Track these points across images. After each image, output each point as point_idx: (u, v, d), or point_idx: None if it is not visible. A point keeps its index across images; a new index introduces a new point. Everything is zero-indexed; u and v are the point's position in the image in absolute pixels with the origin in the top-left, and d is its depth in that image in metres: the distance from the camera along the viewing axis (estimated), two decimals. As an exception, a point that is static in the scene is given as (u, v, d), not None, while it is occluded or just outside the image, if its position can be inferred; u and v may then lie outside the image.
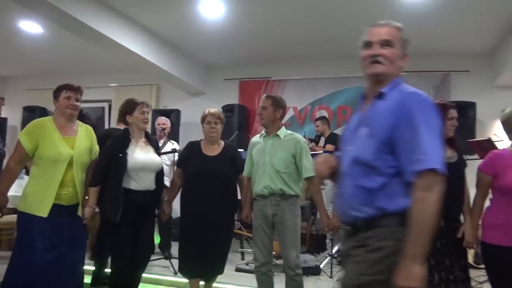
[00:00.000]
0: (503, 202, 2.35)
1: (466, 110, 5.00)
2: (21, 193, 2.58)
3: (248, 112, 6.39)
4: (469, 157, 4.02)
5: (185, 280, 3.20)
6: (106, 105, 7.19)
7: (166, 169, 3.60)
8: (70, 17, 4.05)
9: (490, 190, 2.47)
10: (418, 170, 1.34)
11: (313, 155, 3.10)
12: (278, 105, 2.97)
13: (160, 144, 4.08)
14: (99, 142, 2.83)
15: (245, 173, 3.09)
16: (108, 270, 3.56)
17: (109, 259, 3.59)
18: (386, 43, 1.51)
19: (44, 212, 2.46)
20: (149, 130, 3.21)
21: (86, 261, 2.88)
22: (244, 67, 6.44)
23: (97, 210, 2.85)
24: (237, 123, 5.92)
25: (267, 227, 2.87)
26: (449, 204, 2.46)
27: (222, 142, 3.12)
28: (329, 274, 4.04)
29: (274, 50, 5.82)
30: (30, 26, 5.29)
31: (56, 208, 2.49)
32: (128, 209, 2.74)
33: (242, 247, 4.84)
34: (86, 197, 2.74)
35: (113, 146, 2.84)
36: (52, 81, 7.02)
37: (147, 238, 2.94)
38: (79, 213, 2.63)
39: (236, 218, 3.97)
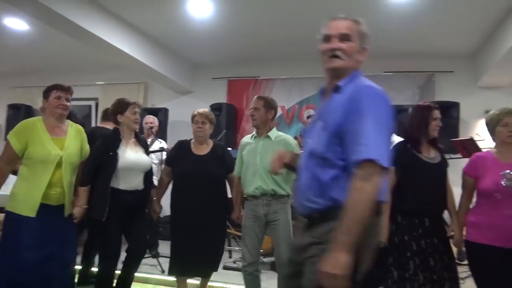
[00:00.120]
0: (483, 203, 2.43)
1: (450, 110, 5.10)
2: (9, 193, 2.57)
3: (236, 111, 6.40)
4: (452, 156, 4.11)
5: (173, 279, 3.22)
6: (93, 103, 7.12)
7: (154, 168, 3.62)
8: (57, 14, 4.00)
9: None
10: (357, 160, 1.34)
11: None
12: (270, 106, 2.99)
13: (148, 143, 4.08)
14: None
15: (236, 173, 3.11)
16: (94, 269, 3.56)
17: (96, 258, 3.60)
18: (344, 37, 1.53)
19: (31, 212, 2.46)
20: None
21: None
22: (232, 66, 6.45)
23: None
24: (225, 122, 5.92)
25: (258, 227, 2.89)
26: (433, 203, 2.56)
27: (212, 142, 3.15)
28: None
29: (262, 49, 5.84)
30: (16, 23, 5.21)
31: (44, 207, 2.49)
32: (116, 209, 2.74)
33: (229, 245, 4.86)
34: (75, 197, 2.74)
35: (103, 146, 2.83)
36: (38, 79, 7.01)
37: (138, 237, 2.95)
38: (66, 213, 2.61)
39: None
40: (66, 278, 2.65)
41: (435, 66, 5.74)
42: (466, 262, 4.40)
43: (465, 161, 4.11)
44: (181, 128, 6.34)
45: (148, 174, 2.98)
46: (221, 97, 6.47)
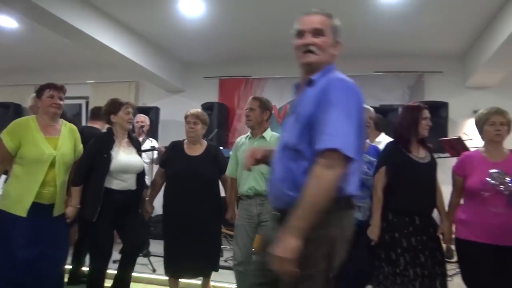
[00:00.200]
0: (471, 201, 2.48)
1: (439, 109, 5.16)
2: (1, 192, 2.57)
3: (227, 110, 6.40)
4: (440, 155, 4.17)
5: (164, 278, 3.22)
6: (83, 102, 7.08)
7: (145, 167, 3.61)
8: (48, 13, 3.98)
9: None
10: (319, 148, 1.34)
11: None
12: (265, 107, 3.01)
13: (139, 142, 4.07)
14: None
15: (228, 173, 3.11)
16: (85, 268, 3.55)
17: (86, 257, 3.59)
18: (318, 32, 1.54)
19: (23, 212, 2.45)
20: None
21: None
22: (223, 65, 6.46)
23: None
24: (217, 121, 5.93)
25: (251, 227, 2.90)
26: (423, 202, 2.61)
27: (205, 142, 3.16)
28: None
29: (253, 48, 5.85)
30: (5, 21, 5.16)
31: (37, 206, 2.48)
32: (108, 209, 2.75)
33: (221, 244, 4.86)
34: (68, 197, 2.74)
35: (96, 146, 2.83)
36: (28, 77, 6.95)
37: (133, 236, 2.95)
38: (55, 213, 2.60)
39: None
40: (57, 277, 2.65)
41: (424, 66, 5.81)
42: (454, 259, 4.48)
43: (453, 160, 4.18)
44: (172, 127, 6.33)
45: (141, 174, 2.99)
46: (213, 96, 6.47)
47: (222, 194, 3.26)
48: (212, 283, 3.41)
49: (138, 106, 6.40)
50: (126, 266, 2.94)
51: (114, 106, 2.92)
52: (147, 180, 3.63)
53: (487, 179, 2.37)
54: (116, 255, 3.00)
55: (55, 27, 4.44)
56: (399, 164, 2.58)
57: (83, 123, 6.79)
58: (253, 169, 2.92)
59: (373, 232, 2.56)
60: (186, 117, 3.11)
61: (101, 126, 3.84)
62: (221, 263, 4.25)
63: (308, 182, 1.33)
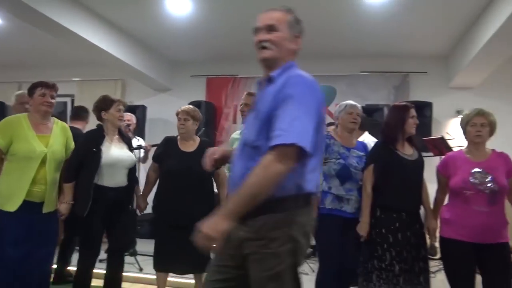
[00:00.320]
0: (455, 199, 2.53)
1: (423, 109, 5.25)
2: None
3: (215, 109, 6.41)
4: (424, 154, 4.25)
5: (150, 277, 3.21)
6: (68, 100, 6.98)
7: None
8: (33, 10, 3.93)
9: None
10: (275, 142, 1.32)
11: None
12: None
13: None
14: None
15: (226, 169, 3.12)
16: (71, 268, 3.53)
17: (72, 256, 3.57)
18: (271, 28, 1.54)
19: (13, 207, 2.45)
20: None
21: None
22: (211, 64, 6.46)
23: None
24: (204, 119, 5.89)
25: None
26: (411, 198, 2.67)
27: (198, 138, 3.16)
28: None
29: (241, 47, 5.85)
30: (-12, 17, 5.09)
31: (27, 204, 2.48)
32: (100, 206, 2.74)
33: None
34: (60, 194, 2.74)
35: (86, 142, 2.83)
36: (12, 74, 6.84)
37: (121, 236, 2.96)
38: (45, 210, 2.59)
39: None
40: (44, 276, 2.65)
41: (409, 67, 5.90)
42: (437, 256, 4.57)
43: (436, 159, 4.27)
44: (159, 125, 6.30)
45: (132, 170, 2.99)
46: (200, 95, 6.46)
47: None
48: (189, 281, 3.43)
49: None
50: (116, 266, 2.94)
51: (106, 103, 2.91)
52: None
53: (469, 178, 2.43)
54: (102, 254, 2.99)
55: (40, 25, 4.39)
56: (387, 162, 2.64)
57: (69, 121, 6.71)
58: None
59: (363, 228, 2.61)
60: (177, 114, 3.12)
61: (82, 126, 3.82)
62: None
63: (254, 170, 1.32)
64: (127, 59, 5.52)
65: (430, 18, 4.67)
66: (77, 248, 4.81)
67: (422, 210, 2.80)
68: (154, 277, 3.13)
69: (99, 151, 2.76)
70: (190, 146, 3.07)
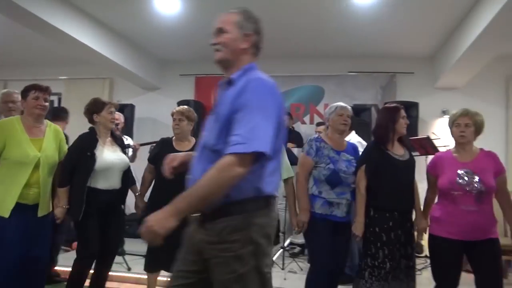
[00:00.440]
0: (443, 199, 2.57)
1: (410, 109, 5.30)
2: None
3: (204, 108, 6.39)
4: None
5: (138, 276, 3.20)
6: (55, 98, 6.91)
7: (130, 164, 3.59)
8: (19, 7, 3.88)
9: None
10: (233, 148, 1.32)
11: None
12: None
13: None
14: None
15: None
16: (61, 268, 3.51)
17: (58, 256, 3.55)
18: (220, 31, 1.57)
19: (5, 213, 2.44)
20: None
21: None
22: (200, 63, 6.41)
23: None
24: (193, 119, 5.91)
25: None
26: (402, 198, 2.72)
27: (193, 139, 3.17)
28: (281, 266, 4.18)
29: (230, 47, 5.87)
30: (-28, 14, 5.00)
31: (21, 207, 2.48)
32: (93, 208, 2.75)
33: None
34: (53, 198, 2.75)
35: (80, 146, 2.83)
36: (-2, 72, 6.70)
37: (114, 238, 2.97)
38: (40, 213, 2.60)
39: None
40: (40, 277, 2.66)
41: (396, 67, 5.98)
42: (423, 254, 4.64)
43: (422, 158, 4.34)
44: (147, 124, 6.28)
45: (126, 172, 2.99)
46: (189, 94, 6.45)
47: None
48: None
49: (113, 103, 6.33)
50: (105, 266, 2.95)
51: (97, 105, 2.91)
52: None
53: (456, 179, 2.46)
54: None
55: (27, 23, 4.33)
56: (379, 163, 2.68)
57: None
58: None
59: (358, 229, 2.65)
60: (172, 114, 3.14)
61: (62, 127, 3.79)
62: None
63: (209, 171, 1.32)
64: (115, 57, 5.49)
65: (417, 20, 4.74)
66: (63, 248, 4.82)
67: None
68: (142, 276, 3.13)
69: (93, 155, 2.77)
70: (185, 146, 3.07)
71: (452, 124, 2.61)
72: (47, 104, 2.67)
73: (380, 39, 5.35)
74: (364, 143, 3.84)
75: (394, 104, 2.90)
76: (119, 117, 4.73)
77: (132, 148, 4.21)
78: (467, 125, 2.54)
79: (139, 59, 6.07)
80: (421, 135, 4.92)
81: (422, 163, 3.21)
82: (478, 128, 2.56)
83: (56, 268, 3.70)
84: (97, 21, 5.08)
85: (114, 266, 3.93)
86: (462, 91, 5.78)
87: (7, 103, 3.16)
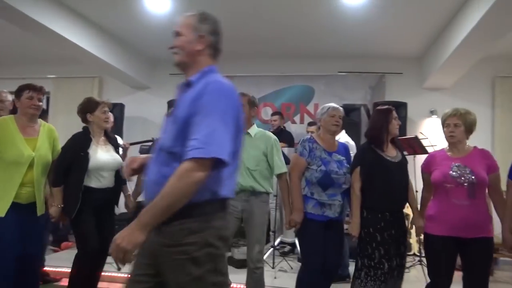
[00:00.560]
0: (437, 194, 2.62)
1: (398, 109, 5.33)
2: None
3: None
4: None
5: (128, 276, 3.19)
6: (43, 97, 6.85)
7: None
8: (7, 5, 3.83)
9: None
10: (191, 154, 1.32)
11: None
12: (254, 104, 3.04)
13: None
14: None
15: None
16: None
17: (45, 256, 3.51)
18: (176, 34, 1.60)
19: (2, 212, 2.46)
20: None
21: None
22: (190, 63, 6.43)
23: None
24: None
25: (232, 221, 2.91)
26: (395, 199, 2.76)
27: None
28: (271, 264, 4.20)
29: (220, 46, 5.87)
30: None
31: (14, 206, 2.49)
32: (89, 207, 2.77)
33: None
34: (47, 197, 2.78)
35: (73, 145, 2.84)
36: (-15, 71, 6.60)
37: (108, 236, 2.95)
38: (38, 213, 2.62)
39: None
40: (35, 275, 2.68)
41: (385, 67, 6.03)
42: (411, 252, 4.69)
43: (410, 158, 4.39)
44: (137, 123, 6.25)
45: (119, 171, 3.00)
46: (179, 94, 6.42)
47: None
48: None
49: (102, 103, 6.28)
50: (98, 265, 2.95)
51: (91, 105, 2.92)
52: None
53: (449, 172, 2.51)
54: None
55: (14, 20, 4.28)
56: (372, 164, 2.72)
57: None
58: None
59: (354, 229, 2.69)
60: (167, 115, 3.14)
61: None
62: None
63: (170, 180, 1.32)
64: (105, 56, 5.45)
65: (405, 21, 4.79)
66: (52, 248, 4.78)
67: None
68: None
69: (86, 155, 2.78)
70: None
71: (443, 124, 2.67)
72: (41, 103, 2.69)
73: (369, 40, 5.40)
74: (352, 143, 3.88)
75: (386, 106, 2.94)
76: (109, 116, 4.71)
77: (122, 148, 4.19)
78: (456, 125, 2.58)
79: (129, 58, 6.04)
80: (409, 135, 4.98)
81: (410, 162, 3.25)
82: (468, 127, 2.60)
83: (45, 268, 3.68)
84: (86, 20, 5.04)
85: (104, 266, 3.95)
86: (449, 91, 5.86)
87: None
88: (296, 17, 4.77)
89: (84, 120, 2.95)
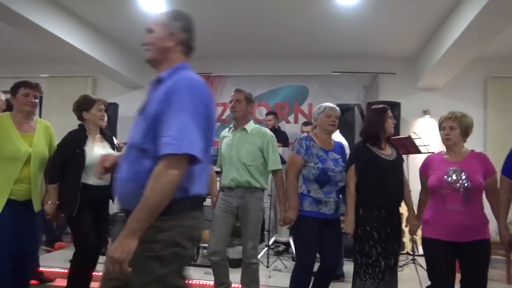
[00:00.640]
0: (434, 199, 2.63)
1: (392, 109, 5.34)
2: None
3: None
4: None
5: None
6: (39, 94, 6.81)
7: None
8: (-1, 3, 3.82)
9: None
10: (163, 151, 1.33)
11: None
12: (251, 100, 3.08)
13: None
14: None
15: (217, 167, 3.16)
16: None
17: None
18: (148, 31, 1.61)
19: None
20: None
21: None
22: (184, 62, 6.42)
23: None
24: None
25: (228, 218, 2.95)
26: (390, 196, 2.78)
27: None
28: (265, 264, 4.21)
29: (215, 46, 5.87)
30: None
31: (11, 203, 2.49)
32: (87, 204, 2.77)
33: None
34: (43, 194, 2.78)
35: (69, 143, 2.83)
36: (-23, 70, 6.54)
37: (103, 235, 3.00)
38: (36, 209, 2.63)
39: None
40: (27, 274, 2.68)
41: (379, 67, 6.07)
42: (404, 251, 4.72)
43: (404, 157, 4.42)
44: (131, 123, 6.21)
45: None
46: (173, 93, 6.41)
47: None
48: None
49: (96, 102, 6.25)
50: (92, 264, 2.93)
51: (87, 102, 2.93)
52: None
53: (445, 177, 2.52)
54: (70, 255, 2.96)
55: (6, 19, 4.24)
56: (367, 162, 2.74)
57: (37, 118, 6.53)
58: (235, 159, 2.91)
59: (349, 227, 2.71)
60: None
61: None
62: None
63: (149, 183, 1.32)
64: (98, 55, 5.43)
65: (399, 22, 4.83)
66: (45, 248, 4.75)
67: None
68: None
69: (82, 152, 2.78)
70: None
71: (440, 127, 2.69)
72: (37, 101, 2.70)
73: (363, 40, 5.43)
74: (345, 143, 3.90)
75: (381, 105, 2.96)
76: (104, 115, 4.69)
77: (116, 147, 4.18)
78: (451, 128, 2.60)
79: (123, 58, 6.02)
80: (402, 134, 5.01)
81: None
82: (464, 130, 2.61)
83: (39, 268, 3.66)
84: (80, 19, 5.01)
85: (97, 266, 3.94)
86: (442, 91, 5.92)
87: None
88: (290, 17, 4.78)
89: (80, 117, 2.95)
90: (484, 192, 2.56)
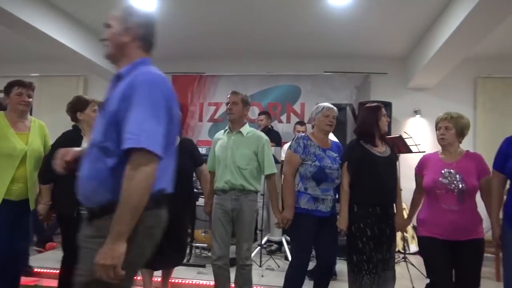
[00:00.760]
0: (428, 198, 2.66)
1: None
2: None
3: (180, 107, 6.36)
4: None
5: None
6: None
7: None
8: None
9: None
10: (125, 149, 1.31)
11: None
12: (247, 102, 3.07)
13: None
14: None
15: (209, 168, 3.15)
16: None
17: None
18: (106, 27, 1.60)
19: None
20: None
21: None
22: (177, 62, 6.40)
23: None
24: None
25: (226, 221, 2.94)
26: (384, 193, 2.80)
27: (178, 137, 3.16)
28: (258, 263, 4.22)
29: (207, 46, 5.87)
30: None
31: (5, 203, 2.49)
32: (78, 204, 2.74)
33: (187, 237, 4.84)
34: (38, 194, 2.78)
35: (64, 143, 2.80)
36: (-34, 69, 6.45)
37: None
38: (32, 207, 2.64)
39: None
40: (18, 272, 2.70)
41: (370, 67, 6.11)
42: (396, 249, 4.74)
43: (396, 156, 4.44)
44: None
45: None
46: (165, 93, 6.39)
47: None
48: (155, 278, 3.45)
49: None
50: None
51: (81, 103, 2.92)
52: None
53: (439, 178, 2.55)
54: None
55: (-3, 17, 4.21)
56: (361, 159, 2.76)
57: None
58: (224, 159, 2.91)
59: (342, 223, 2.73)
60: None
61: None
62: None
63: (123, 185, 1.31)
64: (90, 54, 5.40)
65: (390, 22, 4.87)
66: (36, 249, 4.71)
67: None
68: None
69: None
70: None
71: (436, 127, 2.72)
72: (30, 100, 2.70)
73: (355, 40, 5.47)
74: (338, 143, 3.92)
75: (375, 104, 2.99)
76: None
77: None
78: (447, 128, 2.63)
79: (115, 57, 5.98)
80: (393, 134, 5.05)
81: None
82: (460, 131, 2.64)
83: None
84: (70, 17, 4.98)
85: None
86: (433, 91, 5.97)
87: None
88: (283, 17, 4.80)
89: (74, 118, 2.94)
90: (478, 192, 2.59)
